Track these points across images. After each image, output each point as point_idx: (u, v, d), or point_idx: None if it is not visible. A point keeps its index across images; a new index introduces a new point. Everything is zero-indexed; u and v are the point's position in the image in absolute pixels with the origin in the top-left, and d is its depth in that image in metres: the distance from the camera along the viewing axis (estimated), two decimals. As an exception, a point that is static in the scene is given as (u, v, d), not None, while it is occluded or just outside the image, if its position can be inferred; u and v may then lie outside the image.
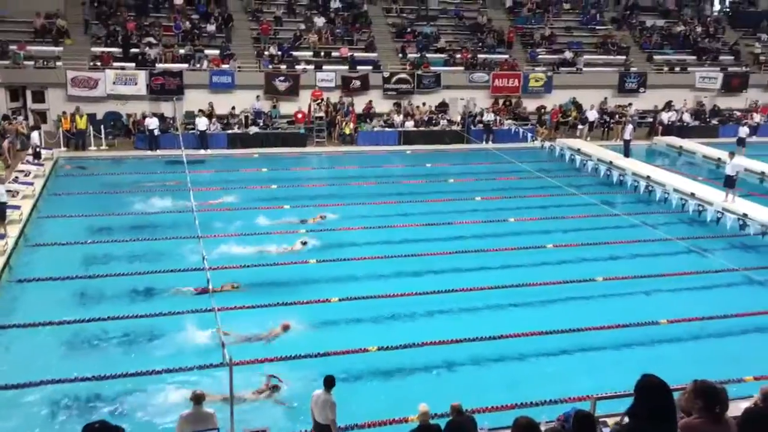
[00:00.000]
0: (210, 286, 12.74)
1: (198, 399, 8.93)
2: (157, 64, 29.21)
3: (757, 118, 34.12)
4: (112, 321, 13.32)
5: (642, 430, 4.11)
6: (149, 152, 26.92)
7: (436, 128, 30.63)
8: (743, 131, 29.84)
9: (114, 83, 28.24)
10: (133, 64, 28.90)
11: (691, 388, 4.90)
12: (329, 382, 9.34)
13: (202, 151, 27.27)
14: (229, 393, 9.35)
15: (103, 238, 17.90)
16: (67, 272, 15.41)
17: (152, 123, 27.03)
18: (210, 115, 28.31)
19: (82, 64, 28.46)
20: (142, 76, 28.51)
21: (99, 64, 28.59)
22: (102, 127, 27.51)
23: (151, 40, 30.24)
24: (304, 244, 17.61)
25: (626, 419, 4.35)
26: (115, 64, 28.80)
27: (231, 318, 12.99)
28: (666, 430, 4.06)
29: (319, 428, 9.38)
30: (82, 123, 26.81)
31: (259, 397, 11.04)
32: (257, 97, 29.73)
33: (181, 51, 30.28)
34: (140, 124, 27.66)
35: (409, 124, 30.33)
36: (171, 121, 28.35)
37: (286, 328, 13.09)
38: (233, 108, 29.22)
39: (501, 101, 32.93)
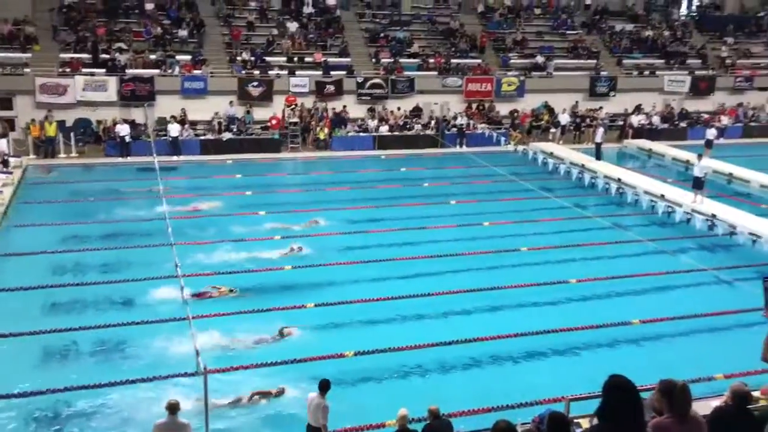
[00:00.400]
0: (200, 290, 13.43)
1: (172, 408, 8.86)
2: (127, 70, 28.91)
3: (725, 120, 34.81)
4: (85, 331, 13.14)
5: (610, 430, 4.17)
6: (120, 159, 26.64)
7: (410, 133, 30.75)
8: (711, 133, 30.39)
9: (84, 90, 27.87)
10: (103, 70, 28.57)
11: (658, 387, 5.02)
12: (324, 386, 9.31)
13: (174, 158, 27.06)
14: (204, 402, 9.29)
15: (74, 246, 17.66)
16: (38, 281, 15.17)
17: (123, 130, 26.74)
18: (182, 122, 28.12)
19: (50, 70, 28.09)
20: (112, 82, 28.19)
21: (68, 70, 28.23)
22: (72, 134, 27.15)
23: (122, 45, 29.93)
24: (300, 249, 17.66)
25: (596, 420, 4.42)
26: (85, 70, 28.45)
27: (209, 324, 12.93)
28: (633, 429, 4.12)
29: (312, 431, 9.37)
30: (51, 130, 26.44)
31: (261, 401, 11.00)
32: (230, 102, 29.59)
33: (152, 57, 30.00)
34: (111, 130, 27.35)
35: (384, 129, 30.42)
36: (142, 128, 28.08)
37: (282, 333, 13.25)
38: (216, 113, 29.14)
39: (474, 105, 33.16)
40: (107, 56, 29.11)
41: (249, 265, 16.54)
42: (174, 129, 27.36)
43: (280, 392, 11.16)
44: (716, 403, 6.93)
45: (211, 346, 12.17)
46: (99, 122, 28.20)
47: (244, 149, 28.34)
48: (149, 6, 32.21)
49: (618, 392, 4.16)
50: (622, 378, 4.24)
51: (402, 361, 12.44)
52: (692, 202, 21.58)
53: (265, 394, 11.09)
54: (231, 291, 15.00)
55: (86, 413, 10.72)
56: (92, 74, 28.32)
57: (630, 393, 4.17)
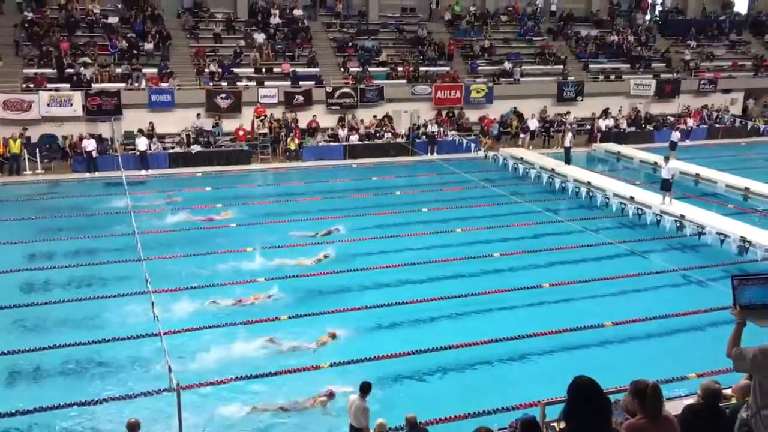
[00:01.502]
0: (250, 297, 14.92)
1: (132, 428, 8.71)
2: (93, 85, 28.53)
3: (690, 122, 35.43)
4: (55, 350, 12.88)
5: (576, 431, 4.12)
6: (88, 175, 26.24)
7: (380, 141, 30.77)
8: (675, 135, 31.03)
9: (48, 105, 27.39)
10: (68, 85, 28.16)
11: (630, 389, 5.02)
12: (365, 389, 9.56)
13: (143, 172, 26.72)
14: (178, 419, 9.13)
15: (42, 264, 17.34)
16: (5, 301, 14.83)
17: (90, 145, 26.34)
18: (150, 135, 27.81)
19: (14, 86, 27.60)
20: (77, 97, 27.76)
21: (32, 86, 27.78)
22: (37, 150, 26.68)
23: (86, 59, 29.55)
24: (326, 257, 17.88)
25: (563, 423, 4.39)
26: (49, 85, 28.01)
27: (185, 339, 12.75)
28: (598, 429, 4.06)
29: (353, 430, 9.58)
30: (15, 147, 25.91)
31: (314, 405, 11.20)
32: (197, 115, 29.30)
33: (118, 70, 29.66)
34: (77, 146, 26.94)
35: (354, 138, 30.39)
36: (109, 142, 27.71)
37: (333, 336, 13.40)
38: (215, 126, 29.14)
39: (444, 113, 33.30)
40: (72, 71, 28.72)
41: (218, 279, 16.35)
42: (142, 143, 27.03)
43: (331, 395, 11.32)
44: (689, 402, 6.97)
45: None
46: (65, 138, 27.74)
47: (213, 162, 28.13)
48: (113, 19, 31.84)
49: (580, 392, 4.10)
50: (584, 378, 4.19)
51: (377, 369, 12.36)
52: (661, 204, 21.87)
53: (320, 399, 11.31)
54: (268, 296, 15.32)
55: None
56: (57, 89, 27.89)
57: (592, 392, 4.11)
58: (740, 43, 42.20)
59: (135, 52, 30.76)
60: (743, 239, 18.81)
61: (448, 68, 34.74)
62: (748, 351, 4.73)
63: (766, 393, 4.62)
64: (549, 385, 11.13)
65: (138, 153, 27.07)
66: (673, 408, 6.44)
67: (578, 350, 13.28)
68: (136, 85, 29.24)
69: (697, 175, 27.21)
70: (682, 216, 20.82)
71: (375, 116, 31.68)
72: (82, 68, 28.85)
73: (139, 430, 8.77)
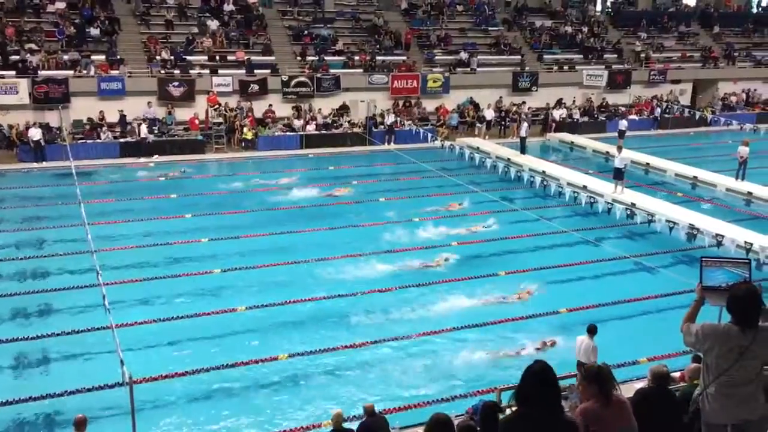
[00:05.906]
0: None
1: (78, 425, 8.54)
2: (39, 72, 27.66)
3: (646, 112, 36.16)
4: (3, 344, 12.55)
5: (525, 416, 4.15)
6: (35, 164, 25.49)
7: (337, 131, 30.61)
8: (622, 124, 31.80)
9: (-7, 93, 26.56)
10: (14, 72, 27.25)
11: (581, 374, 5.10)
12: (592, 330, 11.02)
13: (156, 157, 26.77)
14: (131, 411, 8.96)
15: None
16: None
17: (36, 134, 25.57)
18: (100, 125, 27.16)
19: (-44, 73, 26.63)
20: (23, 84, 26.89)
21: (-25, 72, 26.83)
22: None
23: (33, 46, 28.62)
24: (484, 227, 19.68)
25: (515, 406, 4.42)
26: (-7, 72, 27.11)
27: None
28: (548, 414, 4.10)
29: (581, 366, 10.12)
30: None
31: (537, 351, 12.40)
32: (149, 103, 28.66)
33: (66, 57, 28.81)
34: (23, 135, 26.12)
35: (310, 128, 30.16)
36: (57, 131, 26.94)
37: (529, 292, 15.23)
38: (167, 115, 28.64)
39: (401, 102, 33.30)
40: (17, 57, 27.78)
41: (177, 270, 16.11)
42: (143, 130, 27.12)
43: (553, 343, 12.87)
44: (640, 385, 7.14)
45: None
46: (10, 126, 26.85)
47: (166, 151, 27.59)
48: (60, 5, 30.87)
49: (531, 378, 4.14)
50: (538, 363, 4.23)
51: (334, 360, 12.37)
52: (613, 193, 22.31)
53: (542, 346, 12.77)
54: (444, 260, 17.14)
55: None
56: (2, 77, 26.95)
57: (545, 378, 4.14)
58: (689, 35, 43.19)
59: (84, 37, 29.89)
60: (692, 226, 19.31)
61: (404, 57, 34.72)
62: (694, 326, 4.85)
63: (711, 370, 4.75)
64: (504, 371, 11.37)
65: (148, 140, 27.14)
66: (626, 391, 6.56)
67: (534, 336, 13.44)
68: (85, 72, 28.46)
69: (647, 164, 27.82)
70: (632, 204, 21.27)
71: (331, 109, 31.45)
72: (28, 55, 27.93)
73: (86, 426, 8.58)
